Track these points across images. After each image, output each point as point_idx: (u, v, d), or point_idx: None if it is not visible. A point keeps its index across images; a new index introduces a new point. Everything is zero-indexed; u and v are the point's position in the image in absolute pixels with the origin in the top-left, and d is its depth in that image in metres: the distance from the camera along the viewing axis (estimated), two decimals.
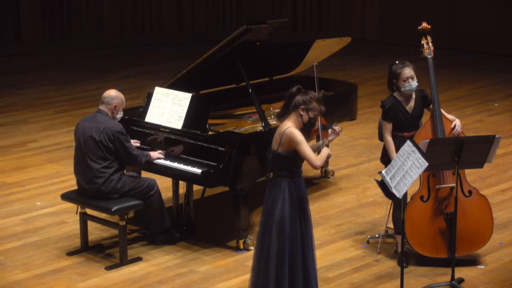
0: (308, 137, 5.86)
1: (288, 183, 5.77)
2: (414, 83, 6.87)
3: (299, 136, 5.69)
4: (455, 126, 6.85)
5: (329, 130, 6.01)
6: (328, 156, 5.88)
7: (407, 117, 6.94)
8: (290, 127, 5.72)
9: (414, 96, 6.97)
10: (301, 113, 5.75)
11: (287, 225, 5.75)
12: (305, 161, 5.85)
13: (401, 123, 6.93)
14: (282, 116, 5.83)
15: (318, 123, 5.94)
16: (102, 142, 6.91)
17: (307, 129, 5.82)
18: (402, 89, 6.88)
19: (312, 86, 8.80)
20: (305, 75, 9.11)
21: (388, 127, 6.93)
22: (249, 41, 7.71)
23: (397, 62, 6.92)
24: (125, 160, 7.06)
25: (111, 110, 7.03)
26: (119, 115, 7.11)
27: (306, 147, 5.68)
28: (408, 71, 6.84)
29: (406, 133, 6.89)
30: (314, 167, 5.78)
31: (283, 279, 5.74)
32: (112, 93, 7.08)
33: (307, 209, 5.87)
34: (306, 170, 8.54)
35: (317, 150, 5.98)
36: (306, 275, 5.80)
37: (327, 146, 5.98)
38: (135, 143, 7.30)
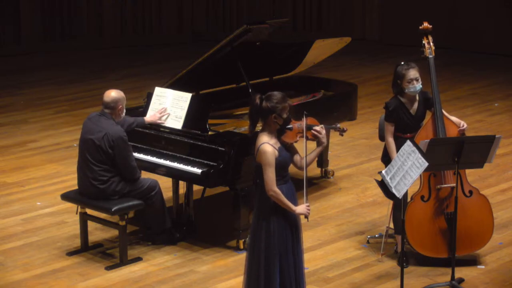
0: (285, 136, 5.62)
1: None
2: (418, 85, 6.84)
3: (269, 157, 5.48)
4: (463, 128, 6.83)
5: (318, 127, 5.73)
6: (294, 211, 5.59)
7: (410, 119, 6.92)
8: (264, 143, 5.52)
9: (418, 98, 6.96)
10: (274, 120, 5.54)
11: (276, 234, 5.61)
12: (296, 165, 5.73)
13: (404, 125, 6.92)
14: (253, 130, 5.63)
15: (303, 125, 5.68)
16: (101, 147, 6.88)
17: (284, 128, 5.59)
18: (406, 90, 6.86)
19: (311, 86, 8.89)
20: (305, 75, 9.12)
21: (390, 128, 6.92)
22: (249, 41, 7.71)
23: (402, 63, 6.89)
24: (122, 170, 6.97)
25: (117, 113, 7.01)
26: (124, 113, 7.10)
27: (270, 172, 5.48)
28: (413, 73, 6.82)
29: (408, 134, 6.88)
30: (266, 191, 5.53)
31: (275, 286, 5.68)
32: (114, 95, 6.98)
33: (295, 215, 5.68)
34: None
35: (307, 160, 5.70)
36: (297, 281, 5.72)
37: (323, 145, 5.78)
38: (162, 112, 7.32)
